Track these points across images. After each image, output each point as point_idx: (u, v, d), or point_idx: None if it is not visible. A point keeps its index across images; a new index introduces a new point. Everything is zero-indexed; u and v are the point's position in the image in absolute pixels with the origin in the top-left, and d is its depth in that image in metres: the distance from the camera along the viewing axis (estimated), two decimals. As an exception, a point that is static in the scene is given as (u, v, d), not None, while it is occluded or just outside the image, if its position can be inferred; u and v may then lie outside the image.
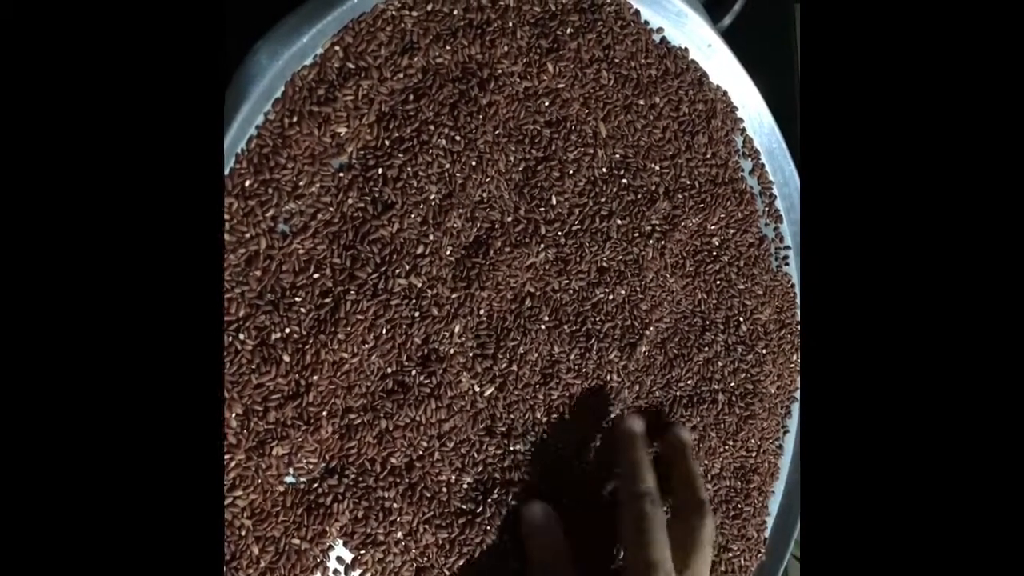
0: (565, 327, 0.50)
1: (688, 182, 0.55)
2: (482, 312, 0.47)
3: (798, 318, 0.61)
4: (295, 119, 0.42)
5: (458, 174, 0.46)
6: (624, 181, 0.53)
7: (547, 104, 0.50)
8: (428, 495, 0.46)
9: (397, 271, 0.44)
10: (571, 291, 0.51)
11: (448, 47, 0.46)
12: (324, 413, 0.43)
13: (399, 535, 0.45)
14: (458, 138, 0.46)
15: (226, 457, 0.40)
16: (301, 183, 0.42)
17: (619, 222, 0.52)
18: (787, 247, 0.61)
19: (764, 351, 0.59)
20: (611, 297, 0.52)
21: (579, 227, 0.51)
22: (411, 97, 0.45)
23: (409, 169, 0.45)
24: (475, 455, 0.47)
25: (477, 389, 0.47)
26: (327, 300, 0.43)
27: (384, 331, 0.44)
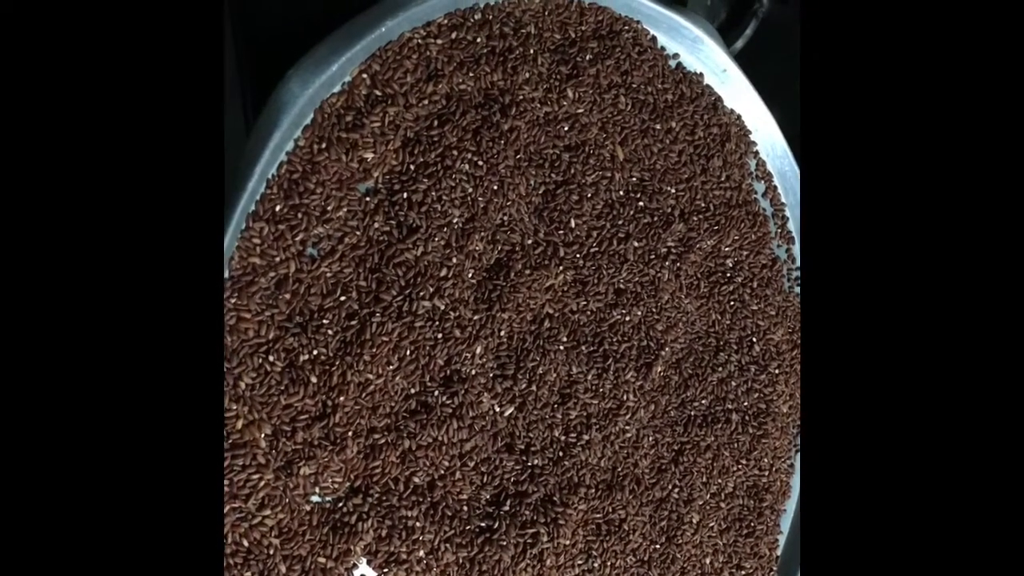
0: (583, 348, 0.51)
1: (703, 204, 0.56)
2: (503, 333, 0.48)
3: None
4: (324, 145, 0.43)
5: (480, 198, 0.47)
6: (641, 204, 0.54)
7: (566, 129, 0.51)
8: (449, 514, 0.46)
9: (421, 293, 0.45)
10: (589, 312, 0.52)
11: (471, 74, 0.47)
12: (350, 433, 0.43)
13: (421, 554, 0.46)
14: (480, 163, 0.47)
15: (255, 477, 0.41)
16: (329, 208, 0.43)
17: (636, 244, 0.53)
18: (799, 268, 0.62)
19: (776, 371, 0.60)
20: (628, 318, 0.53)
21: (597, 249, 0.52)
22: (435, 123, 0.46)
23: (433, 193, 0.45)
24: (494, 472, 0.48)
25: (497, 409, 0.48)
26: (353, 322, 0.44)
27: (408, 352, 0.45)
